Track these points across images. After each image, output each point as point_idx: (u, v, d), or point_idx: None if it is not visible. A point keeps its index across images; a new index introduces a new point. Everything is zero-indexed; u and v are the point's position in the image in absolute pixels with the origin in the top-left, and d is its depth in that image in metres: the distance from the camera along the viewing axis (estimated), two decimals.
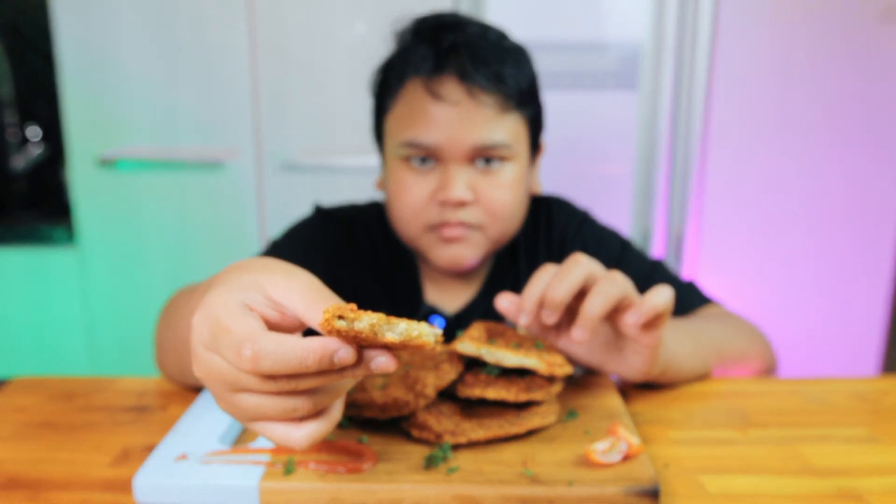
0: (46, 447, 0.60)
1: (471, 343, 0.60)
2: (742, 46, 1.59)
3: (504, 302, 0.65)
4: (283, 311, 0.41)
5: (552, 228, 0.94)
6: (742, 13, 1.57)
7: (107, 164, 1.73)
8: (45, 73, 2.02)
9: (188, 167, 1.74)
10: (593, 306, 0.60)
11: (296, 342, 0.37)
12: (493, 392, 0.58)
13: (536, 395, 0.58)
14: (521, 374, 0.61)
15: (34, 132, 2.10)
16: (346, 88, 1.73)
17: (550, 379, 0.60)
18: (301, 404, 0.40)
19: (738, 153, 1.64)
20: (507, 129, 0.81)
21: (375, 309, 0.92)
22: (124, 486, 0.53)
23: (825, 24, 1.57)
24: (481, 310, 0.91)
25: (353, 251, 0.92)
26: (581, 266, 0.62)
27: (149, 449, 0.58)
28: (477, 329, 0.64)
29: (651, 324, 0.63)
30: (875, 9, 1.56)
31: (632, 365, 0.67)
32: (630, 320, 0.62)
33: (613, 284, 0.61)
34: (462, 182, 0.80)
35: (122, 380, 0.74)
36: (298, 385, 0.39)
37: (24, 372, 1.59)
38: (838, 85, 1.61)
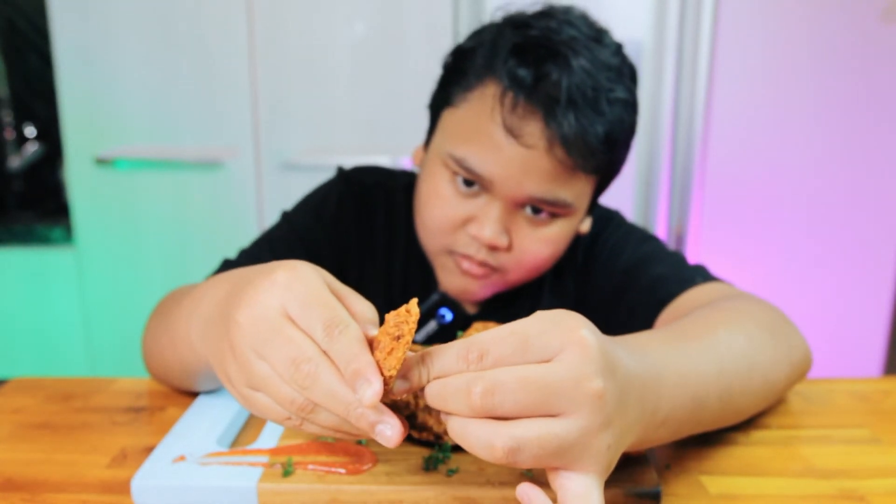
0: (44, 448, 0.59)
1: None
2: (743, 45, 1.59)
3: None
4: None
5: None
6: (743, 12, 1.57)
7: (104, 163, 1.72)
8: (42, 72, 2.01)
9: (187, 167, 1.74)
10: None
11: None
12: None
13: None
14: None
15: (31, 131, 2.10)
16: (345, 88, 1.73)
17: None
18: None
19: (739, 152, 1.64)
20: (574, 189, 0.72)
21: (384, 289, 0.88)
22: (122, 488, 0.53)
23: (825, 23, 1.57)
24: (500, 312, 0.85)
25: (368, 225, 0.85)
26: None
27: (147, 450, 0.58)
28: (476, 329, 0.63)
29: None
30: (875, 9, 1.56)
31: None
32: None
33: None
34: (501, 225, 0.72)
35: (120, 380, 0.73)
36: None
37: (21, 372, 1.59)
38: (838, 84, 1.60)
